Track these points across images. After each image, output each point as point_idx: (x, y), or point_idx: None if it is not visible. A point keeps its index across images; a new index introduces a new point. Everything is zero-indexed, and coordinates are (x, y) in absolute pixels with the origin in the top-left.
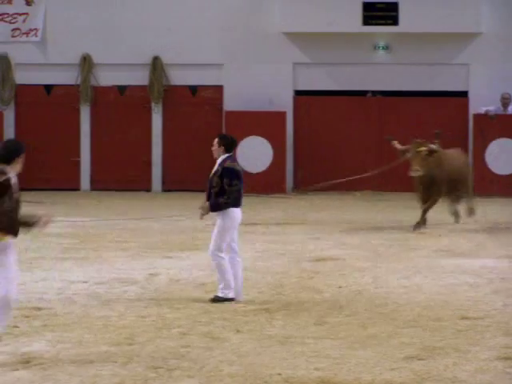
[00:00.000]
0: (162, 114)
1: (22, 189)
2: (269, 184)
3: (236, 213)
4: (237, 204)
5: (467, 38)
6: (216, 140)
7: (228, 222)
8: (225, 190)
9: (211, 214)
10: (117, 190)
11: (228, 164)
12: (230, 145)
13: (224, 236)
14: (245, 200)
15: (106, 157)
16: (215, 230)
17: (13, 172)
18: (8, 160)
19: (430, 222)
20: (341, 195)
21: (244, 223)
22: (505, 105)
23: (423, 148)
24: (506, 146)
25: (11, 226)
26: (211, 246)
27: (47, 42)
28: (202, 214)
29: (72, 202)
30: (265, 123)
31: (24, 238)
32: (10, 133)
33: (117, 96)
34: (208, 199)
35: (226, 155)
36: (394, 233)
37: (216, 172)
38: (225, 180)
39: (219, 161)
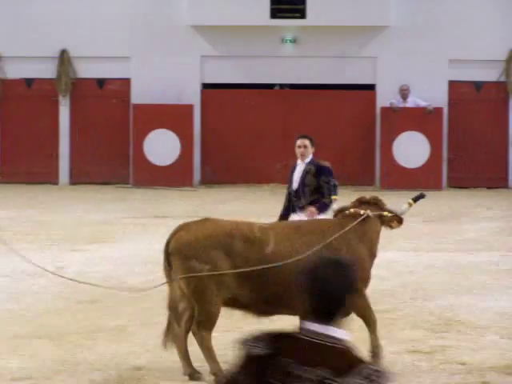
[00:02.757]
0: (70, 106)
1: None
2: (176, 177)
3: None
4: None
5: (374, 31)
6: (306, 141)
7: None
8: (321, 188)
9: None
10: (24, 183)
11: (321, 163)
12: None
13: None
14: (152, 193)
15: (14, 149)
16: None
17: None
18: None
19: None
20: (248, 188)
21: (151, 216)
22: (404, 96)
23: None
24: (413, 139)
25: None
26: None
27: None
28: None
29: None
30: (172, 116)
31: None
32: None
33: (24, 89)
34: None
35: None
36: None
37: (309, 171)
38: (322, 178)
39: (307, 160)
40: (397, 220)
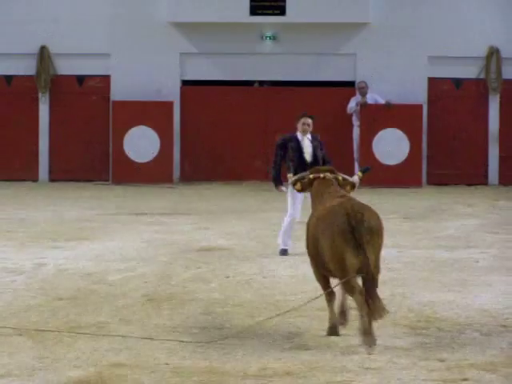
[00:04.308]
0: (49, 103)
1: None
2: (156, 174)
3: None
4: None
5: (354, 27)
6: (310, 120)
7: None
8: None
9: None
10: (3, 180)
11: (318, 137)
12: None
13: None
14: (132, 190)
15: None
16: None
17: None
18: None
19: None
20: (227, 185)
21: (130, 213)
22: (362, 94)
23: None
24: (393, 136)
25: None
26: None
27: None
28: None
29: None
30: (152, 113)
31: None
32: None
33: (3, 86)
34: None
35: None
36: (281, 222)
37: (318, 146)
38: (323, 151)
39: (310, 137)
40: (350, 185)
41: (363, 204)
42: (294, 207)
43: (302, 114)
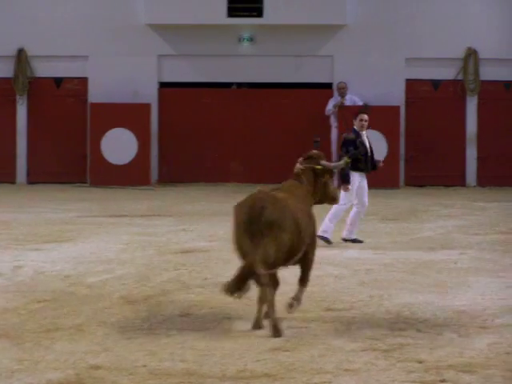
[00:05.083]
0: (27, 106)
1: None
2: (133, 176)
3: (354, 176)
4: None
5: (332, 29)
6: (366, 116)
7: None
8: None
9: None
10: None
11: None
12: None
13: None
14: (110, 192)
15: None
16: None
17: None
18: None
19: None
20: (208, 187)
21: (108, 215)
22: (342, 94)
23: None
24: (370, 137)
25: None
26: None
27: None
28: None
29: None
30: (129, 115)
31: None
32: None
33: None
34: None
35: None
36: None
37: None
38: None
39: (366, 133)
40: (328, 173)
41: (273, 197)
42: (361, 199)
43: (359, 110)
